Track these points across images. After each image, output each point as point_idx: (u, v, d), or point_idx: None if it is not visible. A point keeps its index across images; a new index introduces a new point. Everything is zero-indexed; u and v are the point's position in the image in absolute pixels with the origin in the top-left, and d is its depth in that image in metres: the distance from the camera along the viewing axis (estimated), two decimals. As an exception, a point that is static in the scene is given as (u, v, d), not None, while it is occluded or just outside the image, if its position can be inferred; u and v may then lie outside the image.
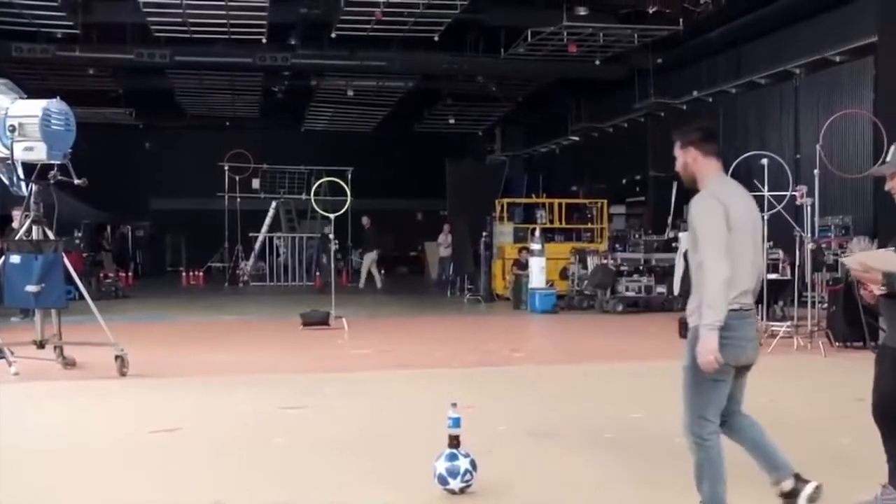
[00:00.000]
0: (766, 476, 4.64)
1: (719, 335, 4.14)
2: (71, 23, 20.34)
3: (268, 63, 23.16)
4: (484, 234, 21.73)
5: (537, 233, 19.22)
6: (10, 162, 9.76)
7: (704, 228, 4.23)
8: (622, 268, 18.42)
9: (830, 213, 15.93)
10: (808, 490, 4.56)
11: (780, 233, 13.68)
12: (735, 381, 4.45)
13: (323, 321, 14.77)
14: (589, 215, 23.00)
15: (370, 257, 25.05)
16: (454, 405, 5.34)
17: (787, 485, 4.58)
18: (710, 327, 4.14)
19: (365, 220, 25.64)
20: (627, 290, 18.11)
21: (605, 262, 18.55)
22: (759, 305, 12.93)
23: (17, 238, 10.30)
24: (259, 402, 8.36)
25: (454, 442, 5.27)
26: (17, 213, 14.93)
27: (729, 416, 4.52)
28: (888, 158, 4.66)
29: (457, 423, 5.30)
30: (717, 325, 4.13)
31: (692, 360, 4.25)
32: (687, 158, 4.45)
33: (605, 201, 22.87)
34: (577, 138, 30.17)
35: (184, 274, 28.52)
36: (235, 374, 10.16)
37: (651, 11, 19.71)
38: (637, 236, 21.60)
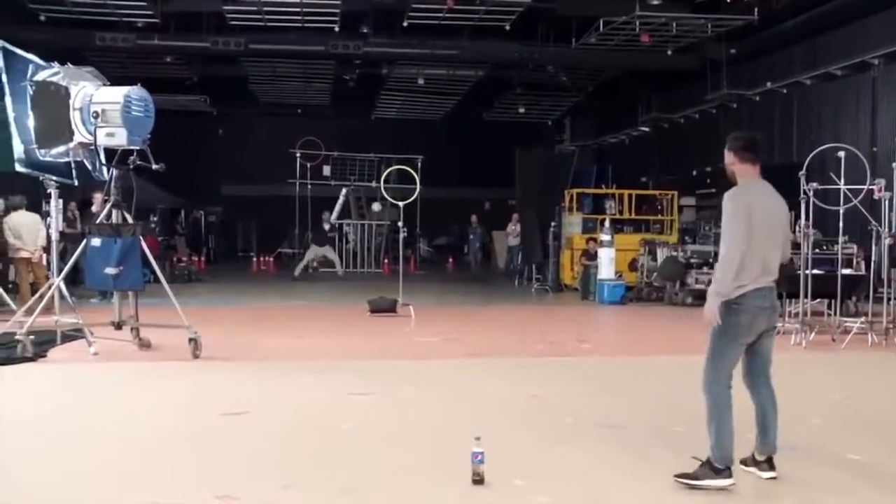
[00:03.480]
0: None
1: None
2: (151, 12, 20.73)
3: (340, 51, 23.31)
4: (553, 223, 21.61)
5: (606, 223, 19.05)
6: (92, 147, 9.98)
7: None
8: (692, 260, 18.15)
9: (908, 207, 15.55)
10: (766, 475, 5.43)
11: (856, 227, 13.37)
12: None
13: (390, 308, 14.82)
14: (659, 207, 22.74)
15: (321, 251, 24.75)
16: (478, 439, 5.24)
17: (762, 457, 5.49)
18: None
19: (325, 216, 25.67)
20: (697, 282, 17.79)
21: (674, 254, 18.32)
22: (833, 301, 12.74)
23: (98, 221, 10.55)
24: (327, 388, 8.43)
25: (477, 478, 5.17)
26: (97, 197, 15.32)
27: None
28: None
29: (479, 459, 5.18)
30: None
31: None
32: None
33: (676, 193, 22.57)
34: (647, 129, 29.82)
35: (254, 259, 28.91)
36: (304, 359, 10.27)
37: (728, 0, 19.34)
38: (707, 228, 21.31)
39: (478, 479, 5.18)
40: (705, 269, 18.01)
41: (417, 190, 16.36)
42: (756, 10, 19.77)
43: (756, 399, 5.50)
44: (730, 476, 5.18)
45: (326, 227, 24.94)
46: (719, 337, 5.29)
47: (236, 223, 34.81)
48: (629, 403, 7.86)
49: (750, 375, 5.51)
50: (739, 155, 5.47)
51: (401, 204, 15.89)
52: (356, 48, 23.12)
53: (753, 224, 5.22)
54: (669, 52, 23.14)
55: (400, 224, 16.44)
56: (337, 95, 31.49)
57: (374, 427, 6.84)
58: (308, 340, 11.94)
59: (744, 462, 5.52)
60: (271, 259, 28.81)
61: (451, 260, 29.51)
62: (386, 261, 27.18)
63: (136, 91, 9.97)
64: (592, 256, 19.06)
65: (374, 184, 25.97)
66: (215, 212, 32.96)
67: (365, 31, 22.87)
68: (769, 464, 5.45)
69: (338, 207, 28.38)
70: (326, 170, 29.78)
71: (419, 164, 23.00)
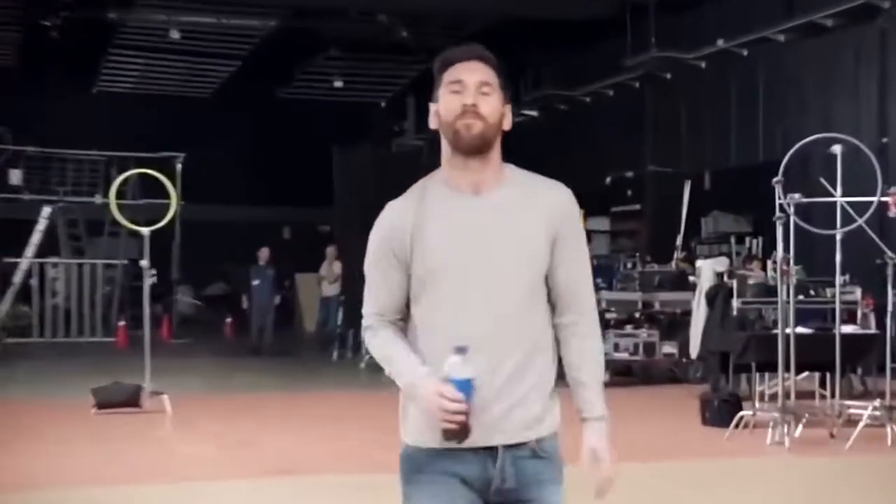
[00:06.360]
0: None
1: None
2: None
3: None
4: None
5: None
6: None
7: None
8: (608, 314, 18.53)
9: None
10: None
11: (860, 260, 13.83)
12: None
13: (131, 400, 14.61)
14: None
15: None
16: None
17: None
18: None
19: None
20: (617, 348, 18.18)
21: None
22: (829, 375, 13.10)
23: None
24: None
25: None
26: None
27: None
28: None
29: None
30: None
31: None
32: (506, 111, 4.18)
33: (581, 211, 22.95)
34: (533, 113, 30.26)
35: None
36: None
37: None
38: (630, 266, 21.77)
39: None
40: (628, 329, 18.42)
41: (174, 208, 16.13)
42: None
43: None
44: None
45: None
46: None
47: None
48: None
49: None
50: None
51: (146, 231, 15.65)
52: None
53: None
54: (569, -7, 23.62)
55: (144, 264, 16.13)
56: (31, 53, 30.71)
57: None
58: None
59: None
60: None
61: (229, 320, 29.20)
62: (121, 324, 26.65)
63: None
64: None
65: (98, 199, 25.46)
66: None
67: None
68: None
69: (37, 237, 27.69)
70: (15, 175, 29.13)
71: (178, 167, 22.68)
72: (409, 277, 3.89)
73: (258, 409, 15.48)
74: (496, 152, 4.02)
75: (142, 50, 30.26)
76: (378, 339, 3.93)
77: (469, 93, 3.91)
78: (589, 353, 4.13)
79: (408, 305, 3.94)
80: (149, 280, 16.37)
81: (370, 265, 3.97)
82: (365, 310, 3.98)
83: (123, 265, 26.86)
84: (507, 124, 4.08)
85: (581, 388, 4.05)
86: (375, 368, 17.03)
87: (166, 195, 16.27)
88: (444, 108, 3.95)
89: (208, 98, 34.19)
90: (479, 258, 3.82)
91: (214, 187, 29.17)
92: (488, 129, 3.94)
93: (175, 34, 27.74)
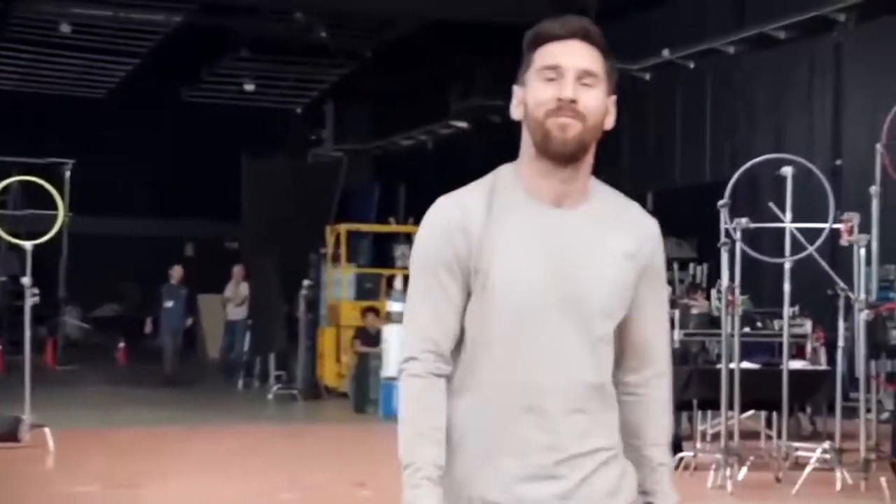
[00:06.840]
0: None
1: None
2: None
3: None
4: (305, 283, 21.67)
5: (397, 283, 19.13)
6: None
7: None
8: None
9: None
10: None
11: (811, 291, 13.87)
12: None
13: (8, 433, 14.45)
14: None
15: None
16: None
17: None
18: None
19: None
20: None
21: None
22: (776, 414, 13.16)
23: None
24: None
25: None
26: None
27: None
28: None
29: None
30: None
31: None
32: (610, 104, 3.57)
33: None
34: (463, 124, 30.22)
35: None
36: None
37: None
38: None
39: None
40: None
41: (61, 220, 16.03)
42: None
43: None
44: None
45: None
46: None
47: None
48: None
49: None
50: None
51: (29, 245, 15.60)
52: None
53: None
54: (503, -5, 23.65)
55: (26, 281, 15.96)
56: None
57: None
58: None
59: None
60: None
61: (122, 345, 28.99)
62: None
63: None
64: (373, 339, 19.11)
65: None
66: None
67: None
68: None
69: None
70: None
71: (66, 175, 22.45)
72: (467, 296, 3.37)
73: (152, 445, 15.41)
74: (590, 157, 3.45)
75: (27, 44, 29.90)
76: (424, 399, 3.35)
77: (567, 83, 3.37)
78: (668, 424, 3.68)
79: None
80: (31, 299, 16.16)
81: (423, 273, 3.40)
82: (410, 339, 3.40)
83: (2, 282, 26.58)
84: (610, 122, 3.51)
85: (657, 467, 3.63)
86: (284, 399, 17.09)
87: (53, 205, 16.13)
88: (532, 98, 3.44)
89: (103, 98, 33.95)
90: (562, 286, 3.34)
91: (108, 197, 28.99)
92: (587, 132, 3.39)
93: (66, 28, 27.59)
